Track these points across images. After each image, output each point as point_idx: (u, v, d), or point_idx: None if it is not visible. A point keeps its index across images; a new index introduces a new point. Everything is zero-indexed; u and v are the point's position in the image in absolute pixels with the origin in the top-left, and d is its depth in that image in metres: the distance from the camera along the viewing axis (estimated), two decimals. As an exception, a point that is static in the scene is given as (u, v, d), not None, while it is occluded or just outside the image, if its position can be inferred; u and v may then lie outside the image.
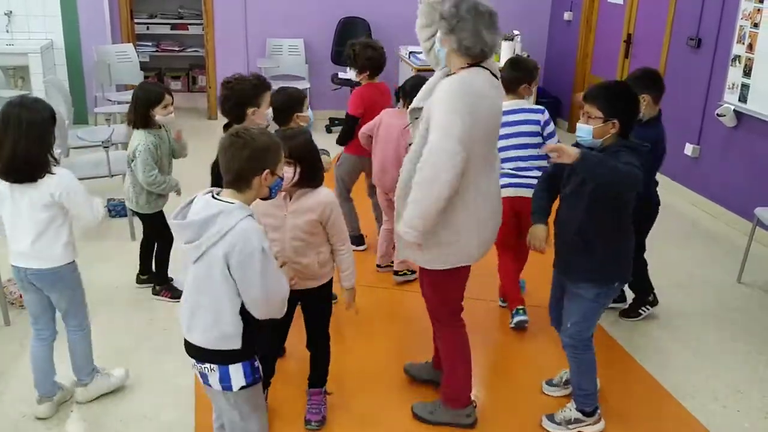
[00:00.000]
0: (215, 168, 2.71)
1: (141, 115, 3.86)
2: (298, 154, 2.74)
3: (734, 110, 5.46)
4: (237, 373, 2.35)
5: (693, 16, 6.04)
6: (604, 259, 2.92)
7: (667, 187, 6.42)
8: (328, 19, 8.16)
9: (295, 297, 2.92)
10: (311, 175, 2.80)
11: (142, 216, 4.14)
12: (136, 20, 8.51)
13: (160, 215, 4.08)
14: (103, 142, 5.10)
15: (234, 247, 2.19)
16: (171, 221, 2.29)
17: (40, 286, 3.02)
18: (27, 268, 2.97)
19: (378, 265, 4.60)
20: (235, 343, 2.31)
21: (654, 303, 4.16)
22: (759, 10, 5.16)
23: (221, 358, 2.33)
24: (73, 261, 3.05)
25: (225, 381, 2.36)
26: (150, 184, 3.90)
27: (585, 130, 2.86)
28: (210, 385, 2.39)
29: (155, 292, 4.25)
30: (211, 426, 2.72)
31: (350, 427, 3.17)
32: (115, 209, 5.36)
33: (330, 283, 3.05)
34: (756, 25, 5.21)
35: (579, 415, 3.14)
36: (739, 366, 3.76)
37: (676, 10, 6.32)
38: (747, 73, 5.31)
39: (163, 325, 3.95)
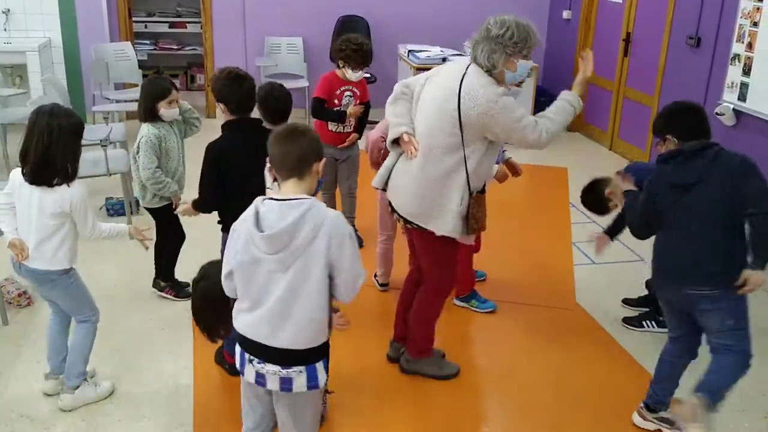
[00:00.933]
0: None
1: (147, 109, 3.86)
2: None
3: (733, 109, 5.45)
4: (321, 369, 2.38)
5: (692, 14, 6.03)
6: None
7: (666, 186, 6.43)
8: (327, 17, 8.14)
9: None
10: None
11: (152, 211, 4.09)
12: (134, 18, 8.48)
13: (169, 209, 3.99)
14: (101, 140, 5.08)
15: (331, 236, 2.26)
16: (255, 234, 2.24)
17: (35, 283, 3.19)
18: (22, 264, 3.07)
19: (382, 284, 4.44)
20: (325, 336, 2.38)
21: (662, 324, 3.84)
22: (758, 8, 5.15)
23: (310, 356, 2.34)
24: (70, 268, 3.11)
25: (312, 380, 2.36)
26: (148, 179, 3.85)
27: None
28: (290, 390, 2.35)
29: (159, 288, 4.23)
30: (210, 425, 2.71)
31: (351, 426, 3.17)
32: (114, 208, 5.35)
33: None
34: (755, 24, 5.20)
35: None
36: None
37: (675, 9, 6.31)
38: (746, 72, 5.30)
39: (163, 324, 3.94)
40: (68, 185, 2.94)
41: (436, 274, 3.40)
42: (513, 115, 3.02)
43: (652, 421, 3.20)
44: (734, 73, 5.43)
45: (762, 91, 5.17)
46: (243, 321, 2.36)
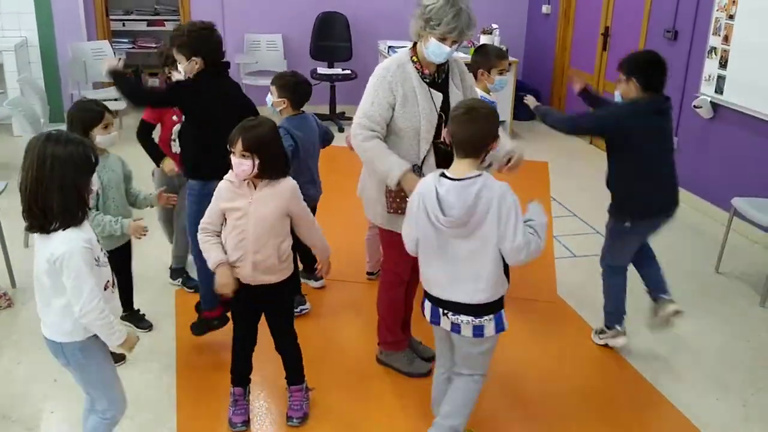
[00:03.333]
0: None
1: None
2: (254, 147, 2.72)
3: (711, 102, 5.51)
4: (503, 315, 2.71)
5: (669, 8, 6.08)
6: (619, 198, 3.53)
7: (645, 179, 6.49)
8: (307, 14, 8.12)
9: (255, 296, 2.95)
10: (270, 166, 2.79)
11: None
12: (111, 17, 8.42)
13: (120, 254, 3.49)
14: (79, 140, 5.04)
15: (501, 206, 2.51)
16: (439, 216, 2.53)
17: (54, 356, 2.50)
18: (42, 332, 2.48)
19: (369, 273, 4.47)
20: (506, 284, 2.69)
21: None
22: (734, 1, 5.21)
23: (497, 305, 2.68)
24: (86, 339, 2.41)
25: (499, 324, 2.69)
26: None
27: (617, 94, 3.52)
28: (482, 335, 2.68)
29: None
30: (194, 423, 2.70)
31: (333, 423, 3.17)
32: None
33: (291, 281, 3.03)
34: (731, 17, 5.25)
35: (603, 328, 3.78)
36: (717, 354, 3.81)
37: (652, 3, 6.37)
38: (723, 64, 5.36)
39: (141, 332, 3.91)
40: (63, 230, 2.26)
41: (384, 266, 3.45)
42: (369, 88, 3.06)
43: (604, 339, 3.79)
44: (711, 66, 5.49)
45: (738, 83, 5.23)
46: (436, 283, 2.68)
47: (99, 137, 3.32)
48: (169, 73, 4.05)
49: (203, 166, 3.42)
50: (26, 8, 7.26)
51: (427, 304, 2.77)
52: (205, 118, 3.38)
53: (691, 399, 3.41)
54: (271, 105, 3.80)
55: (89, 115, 3.35)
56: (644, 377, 3.57)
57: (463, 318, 2.66)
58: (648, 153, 3.40)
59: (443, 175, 2.59)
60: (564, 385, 3.48)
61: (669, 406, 3.37)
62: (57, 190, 2.21)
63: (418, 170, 3.05)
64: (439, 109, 3.06)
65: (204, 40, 3.34)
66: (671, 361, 3.74)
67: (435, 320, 2.76)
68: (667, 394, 3.44)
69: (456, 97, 3.09)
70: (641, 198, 3.46)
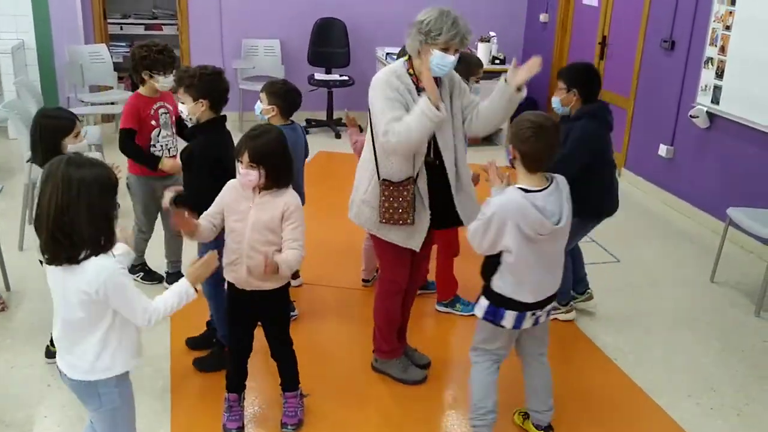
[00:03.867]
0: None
1: (48, 149, 3.18)
2: (261, 158, 2.72)
3: (707, 112, 5.53)
4: None
5: (666, 18, 6.11)
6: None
7: (640, 187, 6.51)
8: (305, 20, 8.13)
9: (251, 301, 2.94)
10: (276, 176, 2.78)
11: None
12: (109, 20, 8.40)
13: None
14: (76, 143, 5.03)
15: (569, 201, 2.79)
16: (545, 225, 2.67)
17: (72, 390, 2.35)
18: (61, 371, 2.32)
19: (364, 280, 4.45)
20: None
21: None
22: (731, 12, 5.23)
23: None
24: (120, 375, 2.30)
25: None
26: None
27: (555, 101, 3.77)
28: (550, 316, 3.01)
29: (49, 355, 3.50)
30: (187, 428, 2.68)
31: (327, 430, 3.15)
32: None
33: (285, 288, 3.01)
34: (728, 28, 5.27)
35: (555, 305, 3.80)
36: (712, 364, 3.81)
37: (650, 13, 6.39)
38: (719, 75, 5.38)
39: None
40: (95, 257, 2.11)
41: (381, 275, 3.44)
42: (379, 96, 3.00)
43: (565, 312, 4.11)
44: (708, 76, 5.51)
45: (735, 93, 5.24)
46: (533, 290, 2.79)
47: (70, 146, 3.22)
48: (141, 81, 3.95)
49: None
50: (23, 10, 7.24)
51: (510, 314, 2.81)
52: (227, 168, 3.17)
53: (685, 408, 3.41)
54: (260, 112, 3.76)
55: (61, 123, 3.25)
56: (638, 385, 3.57)
57: (548, 308, 2.90)
58: (609, 160, 3.84)
59: (521, 189, 2.70)
60: (559, 390, 3.47)
61: (663, 414, 3.36)
62: (85, 216, 2.06)
63: (413, 182, 3.07)
64: None
65: (213, 85, 3.28)
66: (665, 369, 3.74)
67: (517, 325, 2.85)
68: (661, 403, 3.44)
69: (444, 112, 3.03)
70: (594, 201, 3.70)
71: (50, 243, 2.07)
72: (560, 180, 2.78)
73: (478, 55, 7.18)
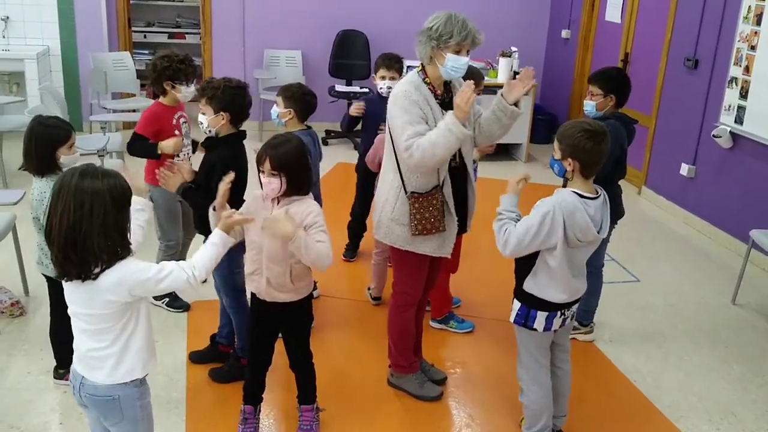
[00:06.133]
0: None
1: (44, 159, 3.10)
2: (283, 166, 2.71)
3: (730, 132, 5.47)
4: None
5: (690, 36, 6.06)
6: None
7: (661, 206, 6.45)
8: (327, 31, 8.16)
9: (273, 313, 2.93)
10: (297, 184, 2.77)
11: (50, 281, 3.33)
12: (133, 28, 8.49)
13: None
14: (98, 150, 5.08)
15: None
16: (592, 233, 2.77)
17: (92, 405, 2.30)
18: (82, 377, 2.27)
19: (375, 298, 4.39)
20: None
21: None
22: (756, 32, 5.19)
23: None
24: (141, 386, 2.30)
25: None
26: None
27: (590, 105, 3.77)
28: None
29: (58, 377, 3.45)
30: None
31: (342, 445, 3.14)
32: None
33: (307, 301, 3.00)
34: (753, 48, 5.23)
35: (576, 325, 3.96)
36: (732, 388, 3.75)
37: (673, 31, 6.35)
38: (743, 95, 5.33)
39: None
40: (111, 268, 2.09)
41: (396, 288, 3.39)
42: (399, 111, 2.98)
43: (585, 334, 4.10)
44: (731, 96, 5.46)
45: (759, 114, 5.19)
46: (567, 291, 2.87)
47: (63, 157, 3.12)
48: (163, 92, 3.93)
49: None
50: (49, 17, 7.34)
51: (541, 315, 2.90)
52: (242, 183, 3.24)
53: (709, 430, 3.37)
54: (277, 116, 3.76)
55: (58, 132, 3.13)
56: (657, 408, 3.52)
57: (573, 308, 3.00)
58: (623, 166, 3.89)
59: (576, 194, 2.77)
60: (575, 411, 3.44)
61: (683, 440, 3.32)
62: (98, 230, 2.03)
63: (439, 190, 3.06)
64: None
65: (236, 99, 3.27)
66: (685, 392, 3.68)
67: (548, 326, 2.93)
68: (681, 426, 3.38)
69: None
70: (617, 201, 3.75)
71: (61, 259, 2.05)
72: (605, 194, 2.88)
73: (499, 70, 7.19)
